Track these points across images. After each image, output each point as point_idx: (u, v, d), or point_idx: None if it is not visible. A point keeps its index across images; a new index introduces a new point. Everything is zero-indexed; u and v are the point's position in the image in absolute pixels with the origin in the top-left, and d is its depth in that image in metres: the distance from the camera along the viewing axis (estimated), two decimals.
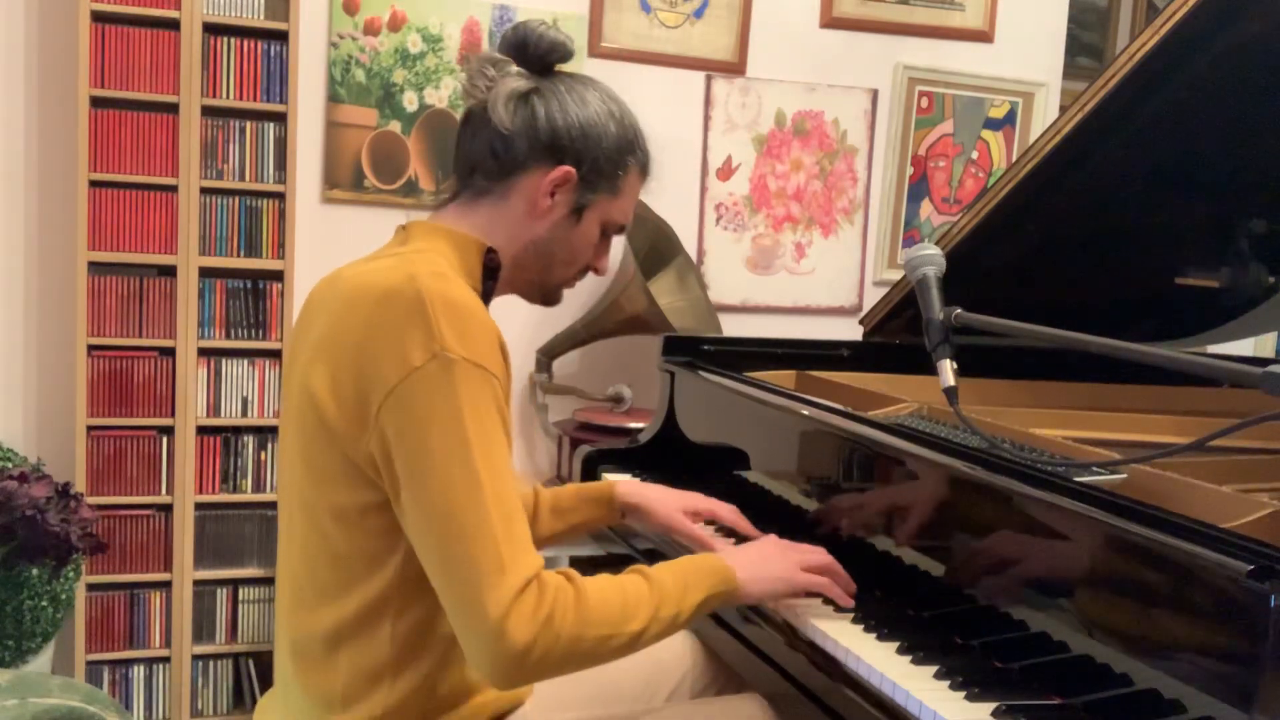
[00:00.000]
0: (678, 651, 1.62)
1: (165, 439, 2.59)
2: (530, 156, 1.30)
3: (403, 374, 1.13)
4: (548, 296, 1.43)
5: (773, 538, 1.47)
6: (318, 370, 1.20)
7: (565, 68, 1.36)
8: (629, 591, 1.22)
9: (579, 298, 2.96)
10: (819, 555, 1.41)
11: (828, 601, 1.41)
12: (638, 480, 1.65)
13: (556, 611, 1.13)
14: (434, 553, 1.14)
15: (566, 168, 1.31)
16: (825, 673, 1.29)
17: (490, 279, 1.33)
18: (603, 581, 1.22)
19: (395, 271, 1.19)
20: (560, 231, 1.35)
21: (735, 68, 3.19)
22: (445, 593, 1.14)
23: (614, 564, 1.70)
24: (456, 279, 1.22)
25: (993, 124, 3.49)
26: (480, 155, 1.32)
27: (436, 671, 1.24)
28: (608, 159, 1.33)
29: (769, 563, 1.36)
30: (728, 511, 1.64)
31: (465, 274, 1.28)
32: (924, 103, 3.40)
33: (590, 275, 1.44)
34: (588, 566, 1.46)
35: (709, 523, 1.69)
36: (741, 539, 1.61)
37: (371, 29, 2.85)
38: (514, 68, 1.32)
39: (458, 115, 2.87)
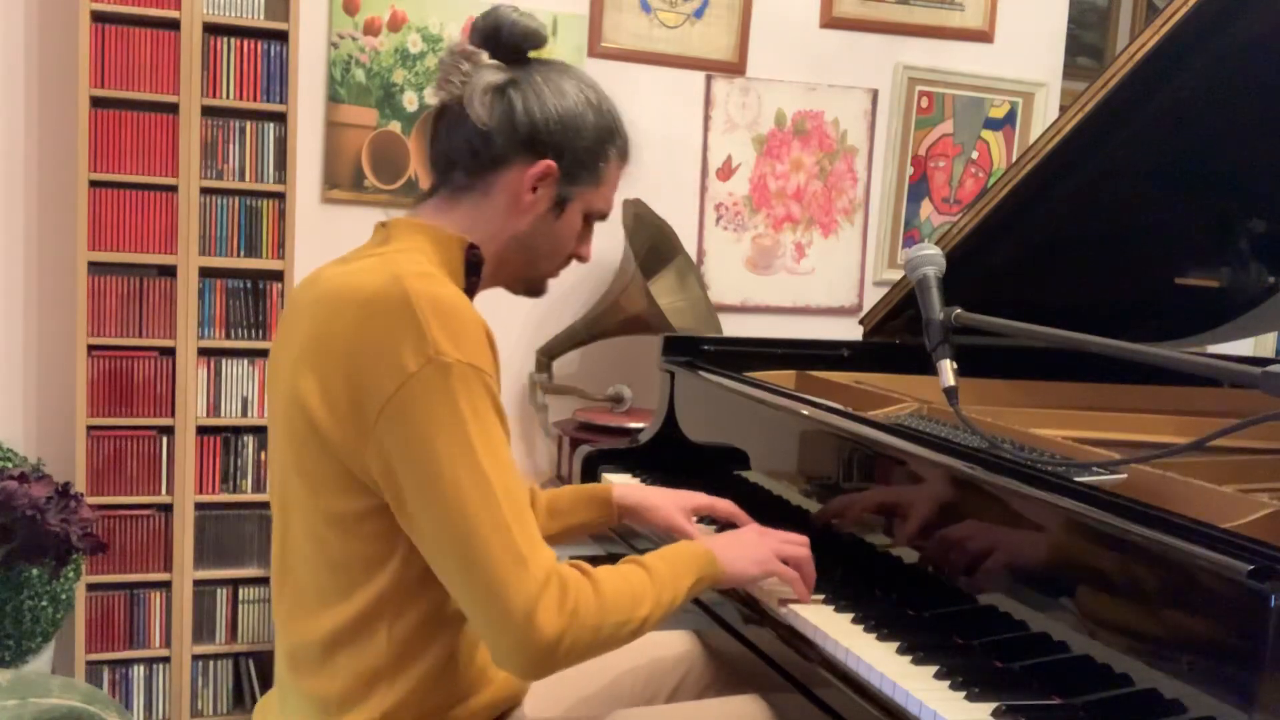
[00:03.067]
0: (679, 651, 1.62)
1: (165, 439, 2.59)
2: (510, 151, 1.28)
3: (399, 381, 1.12)
4: (532, 288, 1.42)
5: (754, 526, 1.51)
6: (306, 377, 1.18)
7: (539, 54, 1.33)
8: (632, 580, 1.24)
9: (579, 297, 2.96)
10: (794, 548, 1.43)
11: (829, 601, 1.42)
12: (636, 483, 1.65)
13: (580, 602, 1.16)
14: (451, 558, 1.14)
15: (547, 162, 1.29)
16: (825, 672, 1.29)
17: (473, 274, 1.31)
18: (609, 572, 1.24)
19: (379, 273, 1.18)
20: (543, 225, 1.33)
21: (735, 68, 3.19)
22: (467, 595, 1.14)
23: (614, 564, 1.70)
24: (441, 277, 1.21)
25: (993, 124, 3.49)
26: (458, 151, 1.30)
27: (434, 673, 1.24)
28: (588, 150, 1.32)
29: (746, 547, 1.40)
30: (725, 505, 1.65)
31: (448, 271, 1.26)
32: (924, 103, 3.40)
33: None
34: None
35: (709, 521, 1.69)
36: None
37: (371, 29, 2.85)
38: (488, 59, 1.30)
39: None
